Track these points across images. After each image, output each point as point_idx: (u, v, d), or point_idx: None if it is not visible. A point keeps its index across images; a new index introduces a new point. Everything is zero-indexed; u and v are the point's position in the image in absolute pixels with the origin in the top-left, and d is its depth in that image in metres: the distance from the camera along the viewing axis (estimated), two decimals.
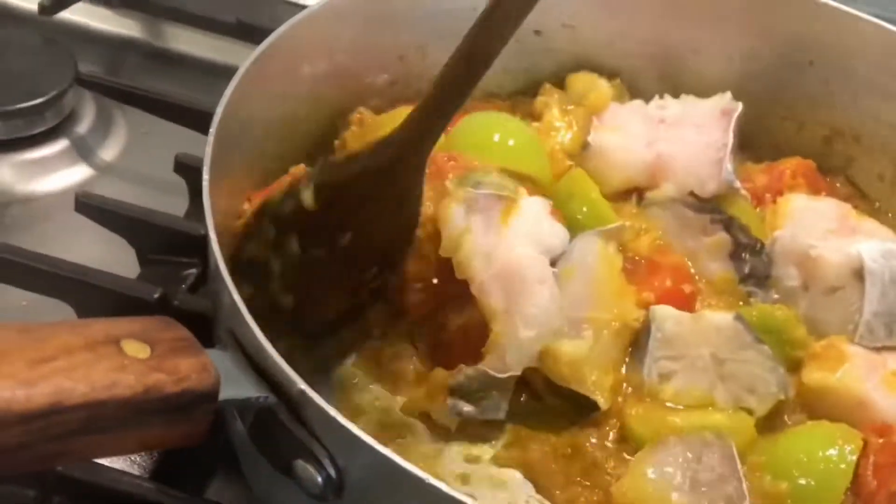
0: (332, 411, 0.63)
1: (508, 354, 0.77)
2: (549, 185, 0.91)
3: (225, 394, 0.62)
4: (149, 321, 0.61)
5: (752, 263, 0.89)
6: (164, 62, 1.32)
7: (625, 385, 0.82)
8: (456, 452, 0.81)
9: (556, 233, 0.82)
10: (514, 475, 0.80)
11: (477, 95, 0.90)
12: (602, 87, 1.06)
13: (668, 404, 0.80)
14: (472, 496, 0.67)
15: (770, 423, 0.82)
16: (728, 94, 0.98)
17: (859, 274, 0.86)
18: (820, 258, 0.88)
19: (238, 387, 0.65)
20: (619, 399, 0.81)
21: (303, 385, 0.64)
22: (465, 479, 0.80)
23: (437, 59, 1.02)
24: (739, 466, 0.74)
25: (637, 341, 0.82)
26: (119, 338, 0.58)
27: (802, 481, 0.77)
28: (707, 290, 0.89)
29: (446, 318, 0.82)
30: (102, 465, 0.87)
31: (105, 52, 1.33)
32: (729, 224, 0.90)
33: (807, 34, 1.03)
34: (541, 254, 0.78)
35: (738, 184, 0.94)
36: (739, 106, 0.97)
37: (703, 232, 0.91)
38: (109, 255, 1.04)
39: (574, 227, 0.85)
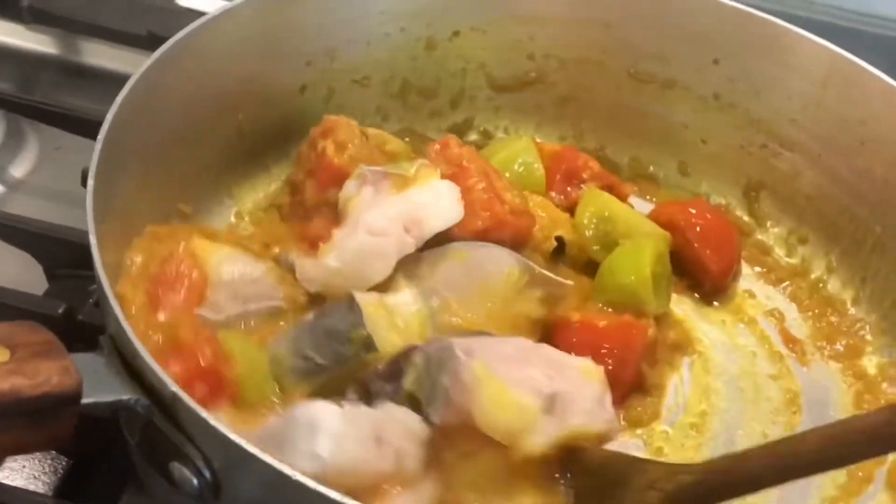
0: (204, 413, 0.63)
1: (311, 271, 0.88)
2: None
3: (90, 397, 0.61)
4: (13, 326, 0.61)
5: None
6: (79, 77, 1.31)
7: None
8: None
9: (444, 214, 0.88)
10: None
11: None
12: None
13: None
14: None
15: None
16: None
17: None
18: None
19: (107, 391, 0.64)
20: None
21: (174, 388, 0.64)
22: None
23: (346, 64, 1.05)
24: None
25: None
26: None
27: None
28: None
29: None
30: (4, 485, 0.86)
31: (18, 68, 1.32)
32: None
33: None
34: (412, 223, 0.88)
35: None
36: None
37: None
38: (17, 272, 1.03)
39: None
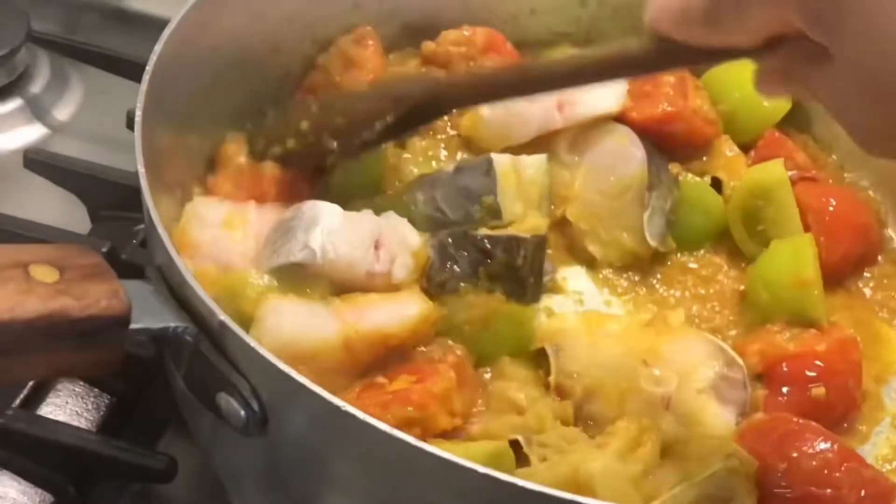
0: (253, 342, 0.62)
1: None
2: None
3: (139, 322, 0.60)
4: (62, 247, 0.60)
5: None
6: (121, 21, 1.31)
7: None
8: None
9: (600, 101, 0.94)
10: None
11: None
12: None
13: None
14: None
15: None
16: None
17: None
18: None
19: (156, 318, 0.63)
20: None
21: (223, 316, 0.63)
22: None
23: (393, 5, 1.03)
24: None
25: None
26: (28, 262, 0.57)
27: None
28: None
29: None
30: (46, 419, 0.86)
31: (60, 11, 1.31)
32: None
33: None
34: None
35: None
36: None
37: None
38: (62, 213, 1.04)
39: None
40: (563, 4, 1.07)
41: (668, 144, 0.96)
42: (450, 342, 0.80)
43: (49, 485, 0.82)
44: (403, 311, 0.77)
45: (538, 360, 0.83)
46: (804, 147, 1.03)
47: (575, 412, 0.79)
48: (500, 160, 0.89)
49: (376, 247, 0.80)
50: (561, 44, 1.07)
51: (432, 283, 0.82)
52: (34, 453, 0.82)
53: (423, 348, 0.79)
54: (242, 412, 0.64)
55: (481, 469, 0.58)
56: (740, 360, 0.82)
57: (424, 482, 0.62)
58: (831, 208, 0.95)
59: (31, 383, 0.86)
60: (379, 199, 0.88)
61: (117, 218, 1.03)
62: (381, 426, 0.60)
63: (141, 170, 0.71)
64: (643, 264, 0.93)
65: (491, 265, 0.83)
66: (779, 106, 1.01)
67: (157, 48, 0.82)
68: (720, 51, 0.67)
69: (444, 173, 0.89)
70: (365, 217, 0.82)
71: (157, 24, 1.32)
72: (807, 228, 0.93)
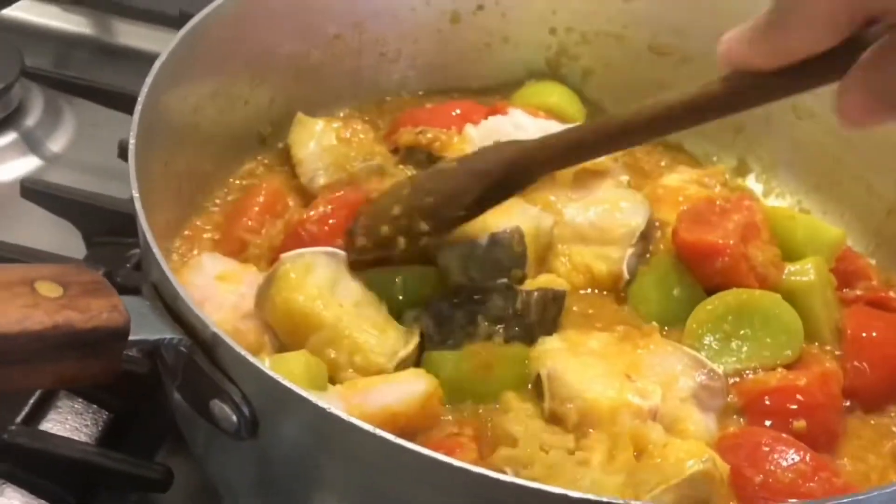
0: (244, 352, 0.67)
1: None
2: None
3: (137, 335, 0.65)
4: (64, 266, 0.64)
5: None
6: (111, 56, 1.36)
7: None
8: None
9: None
10: None
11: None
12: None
13: None
14: None
15: None
16: None
17: None
18: None
19: (152, 330, 0.68)
20: None
21: (214, 328, 0.67)
22: None
23: (373, 36, 1.08)
24: None
25: None
26: (34, 279, 0.61)
27: None
28: None
29: None
30: (48, 433, 0.90)
31: (53, 47, 1.37)
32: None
33: None
34: None
35: None
36: None
37: None
38: (58, 241, 1.08)
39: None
40: (533, 31, 1.13)
41: (701, 274, 0.91)
42: (461, 409, 0.82)
43: (51, 496, 0.86)
44: (409, 389, 0.79)
45: (540, 391, 0.84)
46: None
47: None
48: (528, 229, 0.91)
49: None
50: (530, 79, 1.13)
51: (432, 343, 0.84)
52: (37, 466, 0.86)
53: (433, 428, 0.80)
54: (234, 417, 0.68)
55: (463, 465, 0.63)
56: (718, 369, 0.86)
57: (409, 480, 0.66)
58: (873, 335, 0.91)
59: (32, 400, 0.90)
60: (408, 270, 0.89)
61: (111, 243, 1.07)
62: (365, 426, 0.64)
63: (136, 194, 0.75)
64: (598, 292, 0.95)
65: (489, 312, 0.85)
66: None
67: (148, 79, 0.86)
68: (800, 72, 0.64)
69: (479, 246, 0.89)
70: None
71: (146, 58, 1.37)
72: (843, 346, 0.91)
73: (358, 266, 0.87)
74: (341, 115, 1.08)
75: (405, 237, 0.86)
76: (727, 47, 0.67)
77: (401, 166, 1.00)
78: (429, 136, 1.01)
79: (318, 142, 1.00)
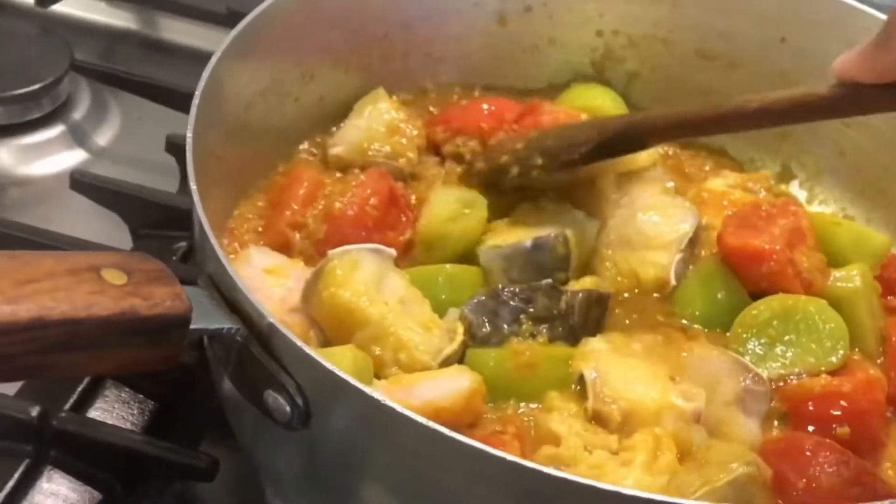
0: (299, 342, 0.67)
1: None
2: None
3: (198, 324, 0.66)
4: (128, 254, 0.66)
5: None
6: (157, 52, 1.38)
7: None
8: None
9: None
10: None
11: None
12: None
13: None
14: None
15: None
16: None
17: None
18: None
19: (211, 319, 0.69)
20: None
21: (271, 318, 0.68)
22: None
23: (421, 37, 1.09)
24: None
25: None
26: (99, 266, 0.62)
27: None
28: None
29: None
30: (97, 420, 0.92)
31: (100, 42, 1.38)
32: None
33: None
34: None
35: None
36: None
37: None
38: (104, 233, 1.09)
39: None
40: (580, 33, 1.13)
41: (746, 279, 0.91)
42: (503, 407, 0.83)
43: (98, 483, 0.87)
44: (453, 385, 0.80)
45: (583, 391, 0.85)
46: None
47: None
48: (573, 233, 0.93)
49: None
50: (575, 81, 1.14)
51: (476, 341, 0.86)
52: (84, 453, 0.87)
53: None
54: (288, 408, 0.69)
55: (515, 460, 0.63)
56: (763, 374, 0.86)
57: (459, 473, 0.67)
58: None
59: (80, 388, 0.91)
60: (452, 268, 0.91)
61: (157, 236, 1.09)
62: (418, 418, 0.65)
63: (193, 186, 0.76)
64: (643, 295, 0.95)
65: (533, 311, 0.86)
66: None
67: (205, 74, 0.87)
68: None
69: (523, 248, 0.91)
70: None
71: (191, 54, 1.40)
72: (887, 354, 0.92)
73: (466, 182, 0.98)
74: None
75: (519, 167, 0.94)
76: (841, 59, 0.75)
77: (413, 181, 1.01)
78: (470, 144, 1.03)
79: (369, 118, 1.02)
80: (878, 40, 0.72)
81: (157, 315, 0.63)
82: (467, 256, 0.93)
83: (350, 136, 1.01)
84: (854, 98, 0.76)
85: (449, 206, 0.95)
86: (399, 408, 0.64)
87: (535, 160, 0.94)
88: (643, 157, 0.98)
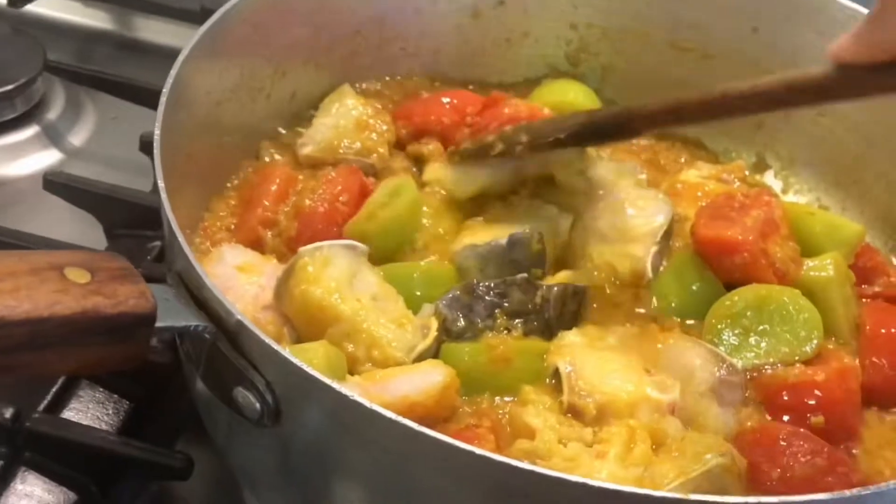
0: (268, 340, 0.67)
1: None
2: None
3: (164, 321, 0.65)
4: (92, 253, 0.66)
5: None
6: (132, 51, 1.37)
7: None
8: None
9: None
10: None
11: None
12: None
13: None
14: None
15: None
16: None
17: None
18: None
19: (178, 317, 0.69)
20: None
21: (239, 315, 0.68)
22: None
23: (394, 32, 1.09)
24: None
25: None
26: (62, 265, 0.62)
27: None
28: None
29: None
30: (71, 421, 0.91)
31: (74, 42, 1.38)
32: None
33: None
34: None
35: None
36: None
37: None
38: (79, 233, 1.09)
39: None
40: (554, 26, 1.13)
41: (720, 270, 0.91)
42: (479, 401, 0.83)
43: (73, 484, 0.87)
44: (427, 379, 0.80)
45: (559, 385, 0.85)
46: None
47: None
48: (546, 229, 0.94)
49: None
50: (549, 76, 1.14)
51: (450, 336, 0.86)
52: (58, 454, 0.87)
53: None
54: (258, 405, 0.69)
55: (486, 454, 0.63)
56: (737, 364, 0.86)
57: (430, 468, 0.67)
58: (891, 331, 0.92)
59: (54, 389, 0.91)
60: (426, 265, 0.92)
61: (131, 236, 1.08)
62: (388, 414, 0.64)
63: (161, 184, 0.76)
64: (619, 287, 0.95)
65: (508, 306, 0.87)
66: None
67: (172, 72, 0.87)
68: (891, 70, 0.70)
69: (498, 247, 0.91)
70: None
71: (166, 53, 1.39)
72: (861, 342, 0.92)
73: (451, 160, 0.99)
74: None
75: (504, 144, 0.95)
76: (836, 42, 0.72)
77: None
78: (430, 147, 1.03)
79: (336, 115, 1.01)
80: (873, 17, 0.70)
81: (120, 313, 0.62)
82: (413, 244, 0.94)
83: (319, 134, 1.01)
84: (847, 80, 0.73)
85: (381, 197, 0.94)
86: (368, 403, 0.64)
87: (521, 137, 0.95)
88: None
